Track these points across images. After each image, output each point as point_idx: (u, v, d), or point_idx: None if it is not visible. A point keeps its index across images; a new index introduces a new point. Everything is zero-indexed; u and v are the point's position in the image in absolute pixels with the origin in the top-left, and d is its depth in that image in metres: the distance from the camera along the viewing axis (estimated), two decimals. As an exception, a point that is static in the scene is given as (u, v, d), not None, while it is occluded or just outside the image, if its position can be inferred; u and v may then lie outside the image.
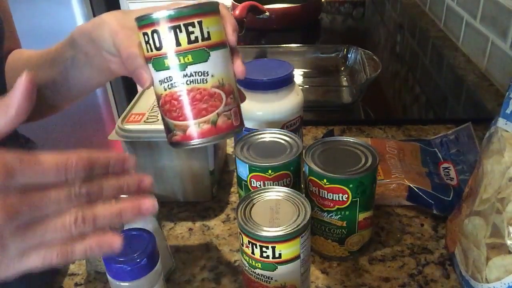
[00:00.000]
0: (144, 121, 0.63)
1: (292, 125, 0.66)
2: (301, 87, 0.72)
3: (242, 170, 0.56)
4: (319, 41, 1.42)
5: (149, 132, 0.61)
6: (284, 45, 1.13)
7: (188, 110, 0.43)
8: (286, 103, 0.66)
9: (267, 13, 1.37)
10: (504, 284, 0.44)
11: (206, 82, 0.43)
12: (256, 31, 1.39)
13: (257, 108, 0.65)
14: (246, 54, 1.04)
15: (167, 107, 0.44)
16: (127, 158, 0.36)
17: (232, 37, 0.46)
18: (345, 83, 1.02)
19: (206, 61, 0.43)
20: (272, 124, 0.64)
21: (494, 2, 0.99)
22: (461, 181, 0.67)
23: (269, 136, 0.60)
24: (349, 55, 1.04)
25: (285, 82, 0.65)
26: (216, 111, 0.44)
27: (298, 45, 1.14)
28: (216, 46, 0.43)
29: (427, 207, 0.63)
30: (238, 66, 0.46)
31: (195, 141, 0.44)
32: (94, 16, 2.13)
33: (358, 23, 1.58)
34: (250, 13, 1.33)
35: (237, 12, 1.29)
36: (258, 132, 0.60)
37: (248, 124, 0.65)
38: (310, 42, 1.36)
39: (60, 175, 0.32)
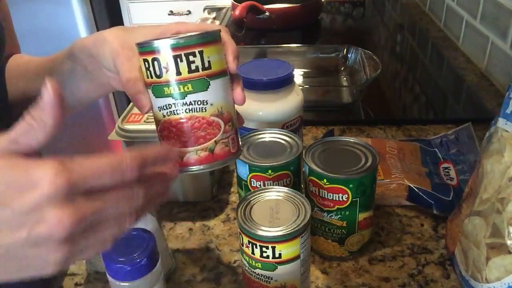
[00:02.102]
0: (144, 121, 0.63)
1: (292, 125, 0.66)
2: (301, 87, 0.72)
3: (242, 170, 0.56)
4: (319, 41, 1.42)
5: (149, 132, 0.61)
6: (284, 45, 1.12)
7: (186, 137, 0.43)
8: (286, 103, 0.66)
9: (267, 13, 1.37)
10: (504, 284, 0.44)
11: (205, 111, 0.43)
12: (256, 31, 1.39)
13: (257, 108, 0.65)
14: (246, 54, 1.04)
15: (165, 133, 0.44)
16: (171, 150, 0.38)
17: (232, 65, 0.46)
18: (345, 83, 1.02)
19: (206, 90, 0.43)
20: (272, 124, 0.64)
21: (494, 2, 0.99)
22: (461, 181, 0.67)
23: (269, 136, 0.60)
24: (349, 55, 1.04)
25: (285, 82, 0.65)
26: (214, 139, 0.44)
27: (298, 45, 1.14)
28: (216, 75, 0.44)
29: (427, 207, 0.63)
30: (238, 94, 0.46)
31: (192, 168, 0.44)
32: (94, 16, 2.14)
33: (358, 23, 1.58)
34: (250, 13, 1.33)
35: (237, 12, 1.29)
36: (258, 132, 0.60)
37: (248, 124, 0.65)
38: (310, 42, 1.36)
39: (117, 176, 0.33)
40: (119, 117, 0.66)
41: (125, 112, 0.65)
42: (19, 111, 0.64)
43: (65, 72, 0.56)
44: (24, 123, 0.33)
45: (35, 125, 0.33)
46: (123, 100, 2.32)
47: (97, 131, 2.20)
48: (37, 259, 0.32)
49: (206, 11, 1.57)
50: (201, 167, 0.44)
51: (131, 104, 0.67)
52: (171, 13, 2.39)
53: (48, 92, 0.33)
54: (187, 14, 2.39)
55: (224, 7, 1.58)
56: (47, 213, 0.31)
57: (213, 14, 1.52)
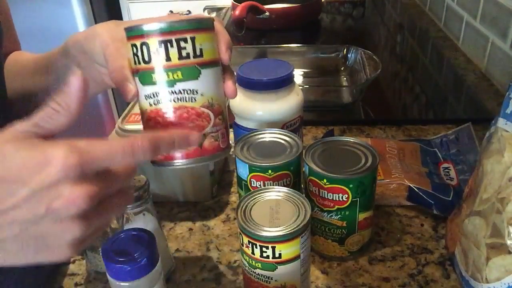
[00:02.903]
0: (144, 121, 0.62)
1: (292, 125, 0.66)
2: (301, 87, 0.72)
3: (242, 170, 0.56)
4: (319, 41, 1.42)
5: (149, 132, 0.61)
6: (284, 45, 1.12)
7: (173, 129, 0.41)
8: (286, 103, 0.66)
9: (267, 13, 1.37)
10: (504, 284, 0.44)
11: (195, 101, 0.41)
12: (256, 31, 1.39)
13: (257, 108, 0.65)
14: (246, 54, 1.04)
15: (151, 123, 0.43)
16: (190, 135, 0.38)
17: (225, 56, 0.44)
18: (345, 83, 1.02)
19: (197, 79, 0.41)
20: (272, 124, 0.64)
21: (494, 2, 0.99)
22: (461, 181, 0.67)
23: (269, 136, 0.60)
24: (349, 55, 1.04)
25: (285, 82, 0.65)
26: (203, 132, 0.42)
27: (298, 45, 1.14)
28: (208, 64, 0.42)
29: (427, 207, 0.63)
30: (229, 87, 0.45)
31: (178, 162, 0.42)
32: (94, 16, 2.14)
33: (358, 23, 1.58)
34: (250, 13, 1.33)
35: (237, 12, 1.29)
36: (258, 132, 0.60)
37: (248, 124, 0.65)
38: (310, 42, 1.36)
39: (128, 158, 0.35)
40: (119, 117, 0.66)
41: (125, 112, 0.65)
42: (17, 108, 0.64)
43: (60, 68, 0.56)
44: (49, 109, 0.35)
45: (59, 109, 0.35)
46: (123, 100, 2.32)
47: (97, 131, 2.20)
48: (55, 238, 0.33)
49: (206, 11, 1.57)
50: (188, 161, 0.42)
51: (131, 104, 0.67)
52: (171, 13, 2.39)
53: (75, 78, 0.35)
54: (187, 14, 2.39)
55: (224, 7, 1.59)
56: (63, 189, 0.32)
57: (213, 14, 1.52)
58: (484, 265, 0.46)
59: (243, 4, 1.31)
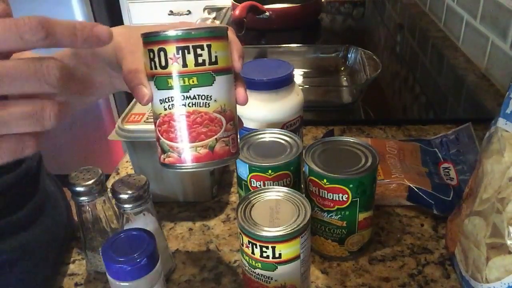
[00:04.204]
0: (144, 121, 0.63)
1: (292, 125, 0.66)
2: (301, 87, 0.72)
3: (242, 170, 0.56)
4: (319, 41, 1.42)
5: (149, 132, 0.61)
6: (284, 45, 1.12)
7: (186, 132, 0.43)
8: (286, 103, 0.66)
9: (267, 13, 1.37)
10: (504, 284, 0.44)
11: (208, 106, 0.42)
12: (256, 31, 1.39)
13: (257, 108, 0.65)
14: (246, 54, 1.04)
15: (165, 127, 0.43)
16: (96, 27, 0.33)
17: (238, 64, 0.45)
18: (345, 83, 1.02)
19: (211, 85, 0.42)
20: (272, 124, 0.64)
21: (494, 2, 0.99)
22: (461, 181, 0.67)
23: (269, 136, 0.60)
24: (349, 55, 1.04)
25: (285, 82, 0.65)
26: (215, 136, 0.43)
27: (298, 45, 1.14)
28: (222, 71, 0.43)
29: (427, 207, 0.63)
30: (241, 94, 0.46)
31: (189, 165, 0.43)
32: (94, 17, 2.14)
33: (358, 23, 1.58)
34: (250, 13, 1.33)
35: (237, 12, 1.29)
36: (258, 132, 0.60)
37: (248, 124, 0.65)
38: (310, 42, 1.36)
39: (13, 36, 0.28)
40: (119, 117, 0.66)
41: (125, 112, 0.65)
42: None
43: None
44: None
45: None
46: (123, 100, 2.32)
47: (97, 131, 2.20)
48: None
49: (206, 11, 1.57)
50: (198, 164, 0.43)
51: (131, 104, 0.67)
52: (171, 13, 2.39)
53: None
54: (187, 14, 2.39)
55: (224, 7, 1.59)
56: None
57: (213, 14, 1.52)
58: (484, 265, 0.46)
59: (243, 4, 1.31)
